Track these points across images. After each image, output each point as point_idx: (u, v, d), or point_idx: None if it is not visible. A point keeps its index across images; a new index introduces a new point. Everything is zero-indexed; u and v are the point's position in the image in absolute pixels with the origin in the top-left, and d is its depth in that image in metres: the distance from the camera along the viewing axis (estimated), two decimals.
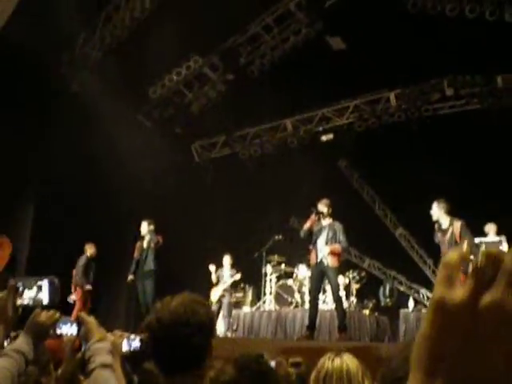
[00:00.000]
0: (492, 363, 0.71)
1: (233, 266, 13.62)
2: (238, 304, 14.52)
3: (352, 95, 16.13)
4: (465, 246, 9.80)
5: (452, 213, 10.40)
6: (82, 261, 13.75)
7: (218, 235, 15.84)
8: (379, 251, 17.26)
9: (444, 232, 10.34)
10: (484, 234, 12.01)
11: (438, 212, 10.41)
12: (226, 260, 13.66)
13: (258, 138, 17.12)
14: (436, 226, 10.52)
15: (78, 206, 13.92)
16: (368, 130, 16.00)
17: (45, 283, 3.04)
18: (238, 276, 13.47)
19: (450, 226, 10.30)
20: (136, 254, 13.06)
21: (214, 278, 13.50)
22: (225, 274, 13.59)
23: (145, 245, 12.98)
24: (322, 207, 11.09)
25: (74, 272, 13.70)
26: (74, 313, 13.00)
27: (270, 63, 15.14)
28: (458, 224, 10.23)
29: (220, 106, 15.89)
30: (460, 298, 0.72)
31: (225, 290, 13.41)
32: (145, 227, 13.09)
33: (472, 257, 0.74)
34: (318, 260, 10.80)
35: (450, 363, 0.72)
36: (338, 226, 11.00)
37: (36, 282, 3.08)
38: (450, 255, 0.77)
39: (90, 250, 13.83)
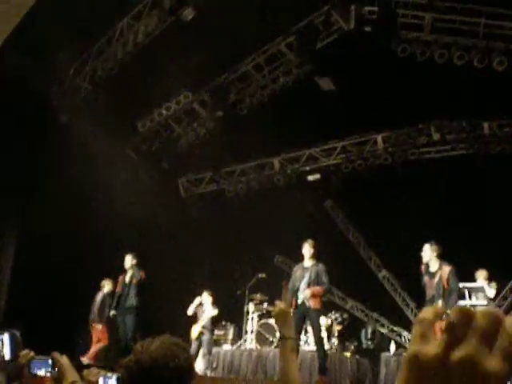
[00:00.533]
0: None
1: (214, 302, 13.49)
2: (218, 342, 14.38)
3: (340, 136, 16.17)
4: (439, 303, 9.77)
5: (442, 257, 10.40)
6: (99, 297, 13.67)
7: (203, 271, 15.88)
8: (362, 293, 17.20)
9: (432, 275, 10.25)
10: (474, 280, 12.02)
11: (430, 254, 10.30)
12: (205, 297, 13.52)
13: (244, 175, 17.15)
14: (423, 267, 10.42)
15: (62, 237, 13.77)
16: (354, 172, 16.01)
17: (5, 337, 2.87)
18: (214, 312, 13.32)
19: (438, 269, 10.20)
20: (118, 289, 13.03)
21: (190, 309, 13.34)
22: (205, 310, 13.46)
23: (127, 279, 12.95)
24: (308, 248, 11.06)
25: (94, 310, 13.62)
26: (93, 350, 13.22)
27: (260, 102, 15.18)
28: (447, 269, 10.13)
29: (208, 142, 15.93)
30: (433, 353, 0.76)
31: (204, 327, 13.25)
32: (128, 261, 13.04)
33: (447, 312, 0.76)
34: (300, 301, 10.75)
35: None
36: (321, 268, 10.96)
37: None
38: (425, 312, 0.81)
39: (108, 286, 13.79)
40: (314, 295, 10.56)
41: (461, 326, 0.75)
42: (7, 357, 2.80)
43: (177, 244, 15.90)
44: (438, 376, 0.74)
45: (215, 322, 14.03)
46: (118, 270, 13.68)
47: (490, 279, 12.07)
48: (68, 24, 11.91)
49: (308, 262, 11.04)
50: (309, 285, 10.74)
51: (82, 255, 13.92)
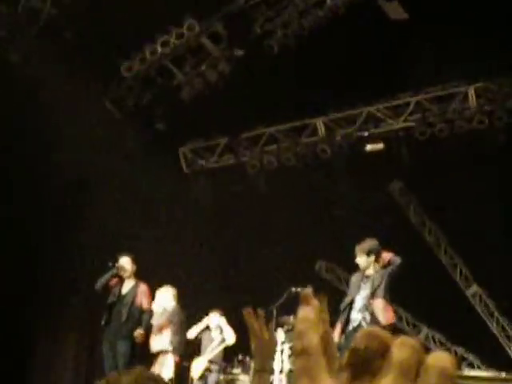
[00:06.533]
0: None
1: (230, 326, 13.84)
2: None
3: (414, 88, 15.88)
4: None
5: None
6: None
7: (210, 281, 16.32)
8: (442, 318, 16.89)
9: None
10: None
11: None
12: (214, 318, 13.94)
13: (274, 144, 16.88)
14: None
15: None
16: (434, 139, 15.70)
17: None
18: (229, 340, 13.69)
19: None
20: (111, 298, 13.27)
21: (192, 331, 13.95)
22: (214, 338, 13.96)
23: (124, 290, 13.28)
24: (361, 254, 11.48)
25: None
26: None
27: (297, 35, 14.87)
28: None
29: (222, 94, 15.65)
30: None
31: (211, 362, 13.66)
32: (127, 265, 13.35)
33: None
34: (355, 324, 11.05)
35: None
36: (384, 274, 11.34)
37: None
38: (306, 341, 0.86)
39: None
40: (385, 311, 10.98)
41: (371, 356, 0.82)
42: None
43: (176, 239, 16.08)
44: None
45: (228, 355, 14.40)
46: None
47: None
48: None
49: (368, 271, 11.47)
50: (373, 296, 11.17)
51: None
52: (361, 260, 11.48)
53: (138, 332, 12.94)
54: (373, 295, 11.19)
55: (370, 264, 11.46)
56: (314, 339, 0.82)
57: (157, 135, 16.60)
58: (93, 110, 15.56)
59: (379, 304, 11.06)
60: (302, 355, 0.82)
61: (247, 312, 3.57)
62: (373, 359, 0.80)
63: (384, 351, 0.80)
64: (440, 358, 0.81)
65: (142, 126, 16.38)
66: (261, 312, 3.65)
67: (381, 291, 11.18)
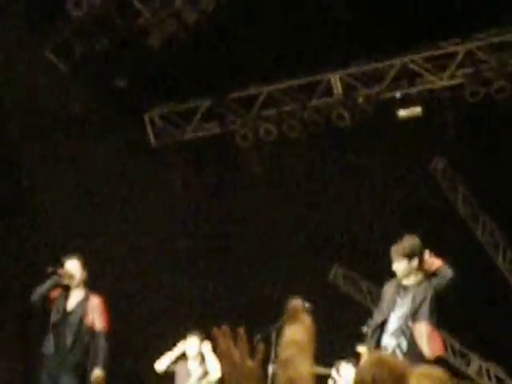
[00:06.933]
0: None
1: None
2: None
3: (462, 32, 14.61)
4: None
5: None
6: None
7: (189, 293, 16.03)
8: (500, 345, 16.13)
9: None
10: None
11: None
12: (194, 344, 13.03)
13: (274, 107, 15.64)
14: None
15: None
16: (490, 102, 14.56)
17: None
18: (215, 373, 12.73)
19: None
20: (54, 315, 11.83)
21: (162, 363, 13.06)
22: (191, 371, 13.15)
23: (70, 305, 11.85)
24: (400, 258, 10.31)
25: None
26: None
27: None
28: None
29: (204, 40, 14.55)
30: None
31: None
32: (74, 269, 11.72)
33: None
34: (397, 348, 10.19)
35: None
36: (428, 287, 10.28)
37: None
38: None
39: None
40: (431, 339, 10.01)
41: None
42: None
43: (141, 236, 15.56)
44: None
45: None
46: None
47: None
48: None
49: (409, 279, 10.31)
50: (413, 317, 10.16)
51: None
52: (400, 266, 10.20)
53: (97, 376, 11.30)
54: (413, 316, 10.07)
55: (412, 271, 10.26)
56: (302, 367, 0.80)
57: (115, 95, 15.50)
58: (30, 62, 14.53)
59: (423, 329, 9.90)
60: None
61: (219, 332, 2.98)
62: None
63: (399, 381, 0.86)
64: None
65: (95, 83, 15.26)
66: (241, 332, 2.96)
67: (425, 310, 9.98)
